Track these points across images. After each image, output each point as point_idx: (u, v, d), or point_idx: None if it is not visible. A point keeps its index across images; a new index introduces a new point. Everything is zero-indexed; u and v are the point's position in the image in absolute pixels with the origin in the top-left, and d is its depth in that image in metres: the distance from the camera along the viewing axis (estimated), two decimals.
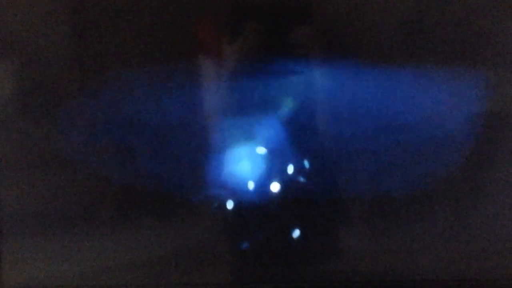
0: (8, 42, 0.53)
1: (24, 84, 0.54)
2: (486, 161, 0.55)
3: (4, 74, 0.53)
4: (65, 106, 0.54)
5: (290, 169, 0.55)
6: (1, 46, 0.54)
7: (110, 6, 0.53)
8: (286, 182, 0.55)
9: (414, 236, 0.56)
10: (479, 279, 0.56)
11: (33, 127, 0.54)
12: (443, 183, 0.55)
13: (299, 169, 0.55)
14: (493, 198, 0.55)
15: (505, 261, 0.56)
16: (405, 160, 0.55)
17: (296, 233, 0.56)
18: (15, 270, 0.55)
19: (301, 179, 0.55)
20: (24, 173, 0.55)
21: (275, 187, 0.55)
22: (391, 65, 0.54)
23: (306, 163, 0.55)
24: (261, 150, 0.55)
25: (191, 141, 0.54)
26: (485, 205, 0.55)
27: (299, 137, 0.55)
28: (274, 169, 0.55)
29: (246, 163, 0.55)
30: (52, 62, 0.54)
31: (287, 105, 0.54)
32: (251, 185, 0.55)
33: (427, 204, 0.55)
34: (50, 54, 0.54)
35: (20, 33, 0.53)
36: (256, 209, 0.55)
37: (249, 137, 0.55)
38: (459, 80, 0.54)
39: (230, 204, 0.55)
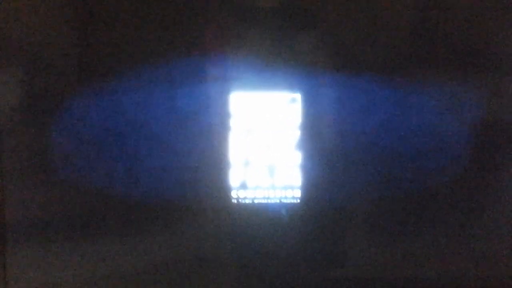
0: (10, 50, 0.53)
1: (27, 91, 0.53)
2: (488, 168, 0.55)
3: (8, 82, 0.53)
4: (70, 114, 0.53)
5: (292, 174, 0.55)
6: (2, 55, 0.53)
7: (114, 14, 0.53)
8: (288, 188, 0.55)
9: (417, 242, 0.56)
10: (481, 284, 0.57)
11: (38, 135, 0.54)
12: (445, 189, 0.55)
13: (300, 175, 0.55)
14: (496, 204, 0.56)
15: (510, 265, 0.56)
16: (408, 166, 0.55)
17: (299, 239, 0.56)
18: (20, 277, 0.55)
19: (303, 185, 0.55)
20: (28, 181, 0.54)
21: (276, 193, 0.55)
22: (392, 74, 0.54)
23: (308, 170, 0.55)
24: (263, 157, 0.55)
25: (192, 148, 0.54)
26: (488, 211, 0.56)
27: (302, 143, 0.55)
28: (275, 175, 0.55)
29: (247, 170, 0.55)
30: (54, 70, 0.53)
31: (288, 113, 0.54)
32: (252, 192, 0.55)
33: (430, 211, 0.56)
34: (51, 63, 0.53)
35: (23, 41, 0.53)
36: (258, 216, 0.56)
37: (250, 143, 0.55)
38: (459, 87, 0.54)
39: (231, 212, 0.55)
